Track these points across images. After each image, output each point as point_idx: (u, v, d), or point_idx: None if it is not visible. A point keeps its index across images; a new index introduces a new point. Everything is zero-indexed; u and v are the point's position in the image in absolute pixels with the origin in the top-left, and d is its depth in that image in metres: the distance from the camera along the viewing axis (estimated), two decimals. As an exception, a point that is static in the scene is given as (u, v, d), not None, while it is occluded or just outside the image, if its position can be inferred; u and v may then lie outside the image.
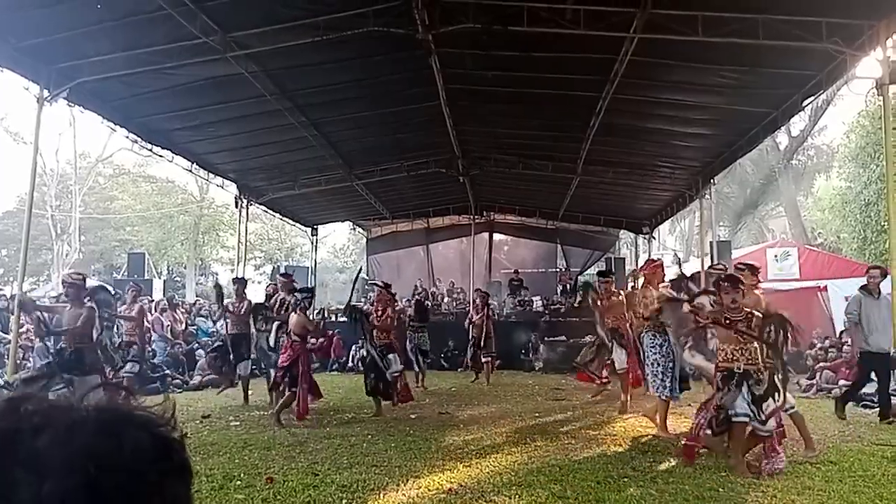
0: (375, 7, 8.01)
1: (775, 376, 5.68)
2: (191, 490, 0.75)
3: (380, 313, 9.48)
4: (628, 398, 9.05)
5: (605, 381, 9.98)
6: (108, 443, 0.67)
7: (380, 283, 10.20)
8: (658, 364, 7.48)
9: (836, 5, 7.29)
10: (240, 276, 13.70)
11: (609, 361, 9.55)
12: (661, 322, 7.35)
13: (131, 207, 34.54)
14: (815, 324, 14.06)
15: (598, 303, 9.50)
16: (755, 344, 5.75)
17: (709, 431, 5.82)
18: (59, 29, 8.16)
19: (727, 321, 5.80)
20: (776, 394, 5.61)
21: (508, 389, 11.77)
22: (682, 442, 6.20)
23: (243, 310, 10.14)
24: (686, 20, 7.61)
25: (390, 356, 9.26)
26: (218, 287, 10.93)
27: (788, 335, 5.67)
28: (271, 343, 9.83)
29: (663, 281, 7.88)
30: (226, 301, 10.13)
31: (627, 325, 9.27)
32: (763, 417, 5.55)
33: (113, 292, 14.26)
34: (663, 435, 7.25)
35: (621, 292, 9.80)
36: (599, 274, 10.52)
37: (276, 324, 9.85)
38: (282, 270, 25.35)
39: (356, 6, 8.03)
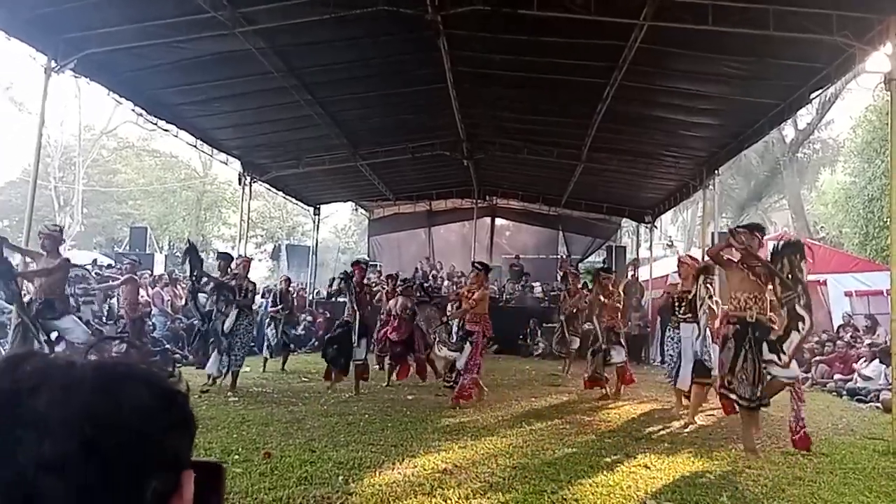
0: (385, -14, 7.98)
1: (797, 305, 5.59)
2: (193, 442, 0.76)
3: (357, 290, 9.51)
4: (621, 388, 9.40)
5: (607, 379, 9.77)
6: (105, 400, 0.67)
7: (361, 260, 10.22)
8: (672, 356, 8.01)
9: (847, -2, 7.26)
10: (224, 251, 13.14)
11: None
12: (676, 318, 7.90)
13: (134, 181, 34.54)
14: (814, 317, 14.09)
15: (600, 297, 9.65)
16: (767, 294, 5.80)
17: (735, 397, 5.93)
18: (67, -1, 8.13)
19: (743, 264, 5.87)
20: (799, 323, 5.54)
21: (505, 374, 11.86)
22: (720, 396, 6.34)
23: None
24: (696, 8, 7.57)
25: (362, 340, 9.34)
26: (191, 247, 9.66)
27: (805, 259, 5.64)
28: (226, 328, 9.21)
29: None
30: (211, 273, 9.73)
31: (622, 323, 9.77)
32: (786, 359, 5.58)
33: (114, 265, 14.30)
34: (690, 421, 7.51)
35: (621, 292, 10.09)
36: (602, 270, 10.60)
37: (235, 310, 9.33)
38: (283, 249, 25.51)
39: (365, -15, 7.99)
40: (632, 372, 9.83)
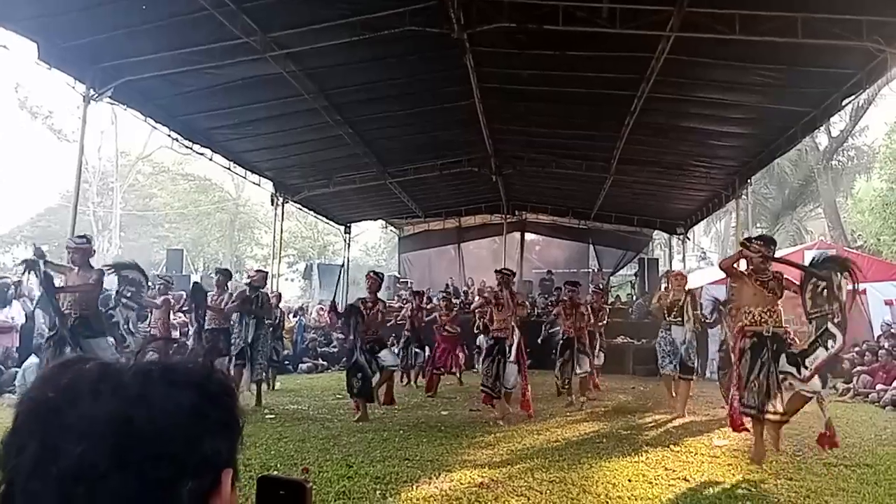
0: (412, 7, 8.09)
1: (829, 323, 5.42)
2: (235, 443, 0.78)
3: (370, 307, 8.76)
4: (585, 399, 9.89)
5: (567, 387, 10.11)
6: (141, 407, 0.70)
7: (372, 274, 9.11)
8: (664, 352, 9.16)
9: (876, 3, 7.18)
10: (225, 267, 12.75)
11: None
12: (668, 321, 9.15)
13: (170, 205, 35.25)
14: (854, 327, 13.78)
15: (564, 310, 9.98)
16: (780, 306, 5.84)
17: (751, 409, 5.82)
18: (104, 29, 8.39)
19: (757, 281, 5.87)
20: (829, 341, 5.39)
21: (539, 389, 11.73)
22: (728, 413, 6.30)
23: (223, 303, 9.43)
24: (723, 18, 7.55)
25: (383, 352, 8.67)
26: (197, 286, 9.82)
27: (849, 277, 5.45)
28: (249, 339, 9.43)
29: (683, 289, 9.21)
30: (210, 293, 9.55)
31: (586, 332, 10.10)
32: (806, 373, 5.49)
33: (152, 286, 14.48)
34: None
35: (585, 303, 10.40)
36: (567, 283, 10.72)
37: (253, 320, 9.49)
38: (314, 268, 25.74)
39: (393, 6, 8.12)
40: (596, 381, 11.04)
